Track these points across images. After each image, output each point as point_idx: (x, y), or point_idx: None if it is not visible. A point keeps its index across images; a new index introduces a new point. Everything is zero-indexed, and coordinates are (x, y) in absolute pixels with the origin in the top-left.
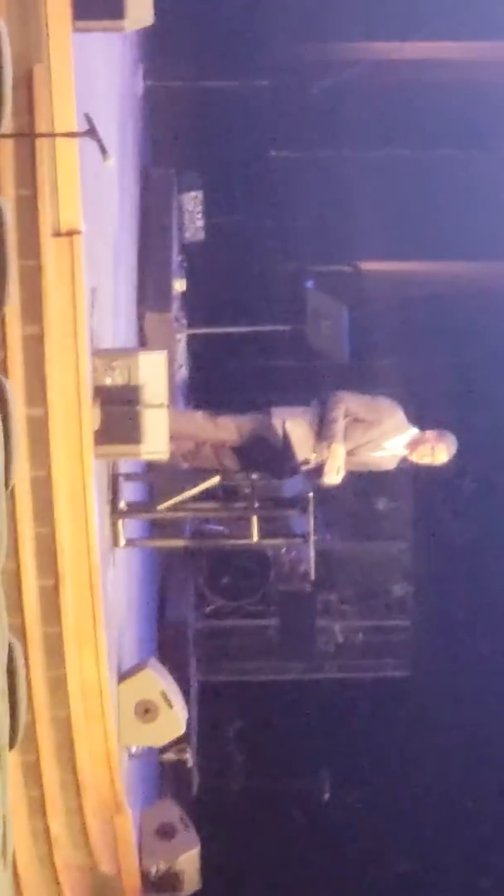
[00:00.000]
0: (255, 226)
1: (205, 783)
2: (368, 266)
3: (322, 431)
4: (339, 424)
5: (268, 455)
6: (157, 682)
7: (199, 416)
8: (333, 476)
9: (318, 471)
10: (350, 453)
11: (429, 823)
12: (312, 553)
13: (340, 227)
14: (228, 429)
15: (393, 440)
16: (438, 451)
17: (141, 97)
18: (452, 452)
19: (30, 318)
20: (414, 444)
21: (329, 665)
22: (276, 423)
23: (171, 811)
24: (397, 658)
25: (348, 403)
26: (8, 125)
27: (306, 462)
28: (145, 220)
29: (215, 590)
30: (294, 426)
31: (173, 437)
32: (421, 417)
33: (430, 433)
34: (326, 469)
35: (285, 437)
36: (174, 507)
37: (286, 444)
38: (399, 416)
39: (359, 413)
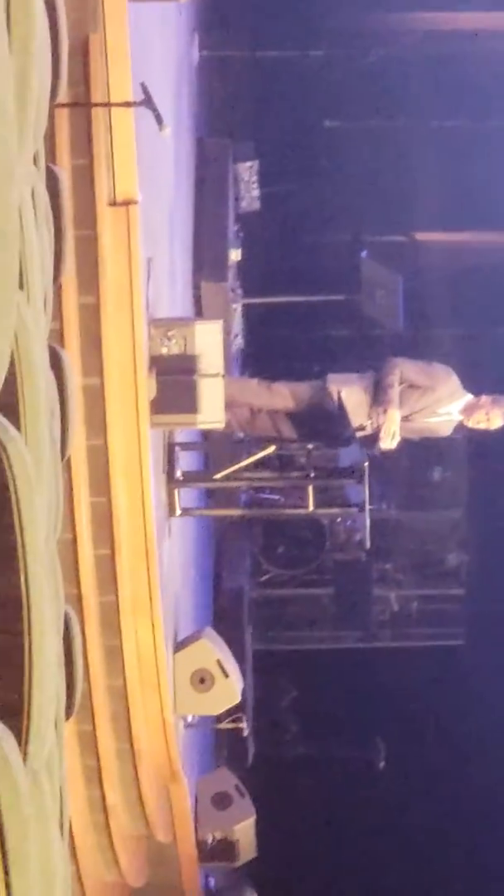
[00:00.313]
0: (310, 196)
1: (260, 752)
2: (423, 236)
3: (378, 397)
4: (395, 390)
5: (324, 422)
6: (213, 651)
7: (255, 383)
8: (389, 441)
9: (374, 437)
10: (405, 419)
11: (485, 789)
12: (368, 522)
13: (395, 197)
14: (283, 395)
15: (448, 406)
16: (494, 417)
17: (196, 67)
18: None
19: (86, 288)
20: (469, 410)
21: (384, 633)
22: (332, 389)
23: (227, 780)
24: (451, 626)
25: (403, 369)
26: (64, 95)
27: (362, 428)
28: (201, 189)
29: (271, 559)
30: (349, 393)
31: (229, 405)
32: (475, 385)
33: (485, 398)
34: (382, 434)
35: (340, 404)
36: (230, 477)
37: (342, 412)
38: (454, 381)
39: (414, 379)
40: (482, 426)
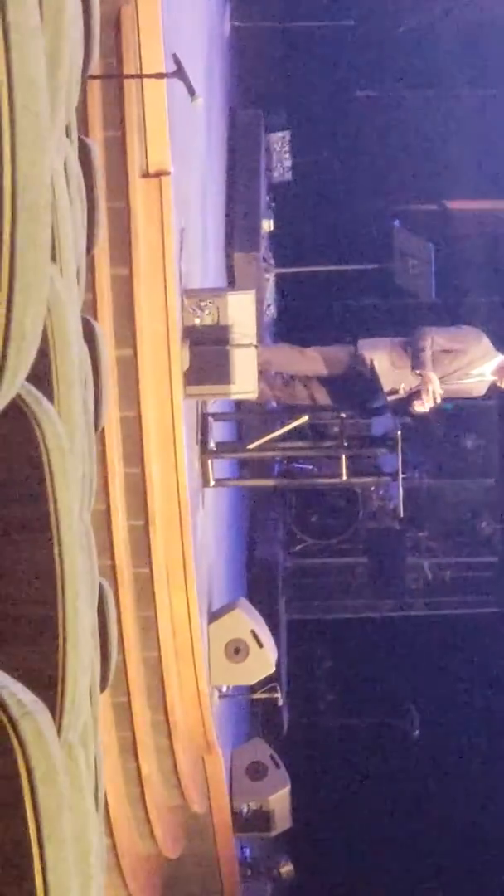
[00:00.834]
0: (341, 165)
1: (295, 721)
2: (455, 204)
3: (413, 362)
4: (428, 353)
5: (357, 387)
6: (247, 621)
7: (287, 349)
8: (431, 401)
9: (407, 401)
10: (439, 382)
11: None
12: (401, 491)
13: (427, 166)
14: (316, 360)
15: (480, 367)
16: None
17: (228, 38)
18: None
19: (119, 259)
20: (502, 371)
21: (417, 602)
22: (364, 354)
23: (262, 750)
24: (485, 594)
25: (434, 337)
26: (96, 67)
27: (394, 392)
28: (233, 160)
29: (304, 528)
30: (380, 358)
31: (262, 373)
32: None
33: None
34: (424, 395)
35: (373, 370)
36: (263, 447)
37: (374, 377)
38: (485, 342)
39: (444, 344)
40: None
